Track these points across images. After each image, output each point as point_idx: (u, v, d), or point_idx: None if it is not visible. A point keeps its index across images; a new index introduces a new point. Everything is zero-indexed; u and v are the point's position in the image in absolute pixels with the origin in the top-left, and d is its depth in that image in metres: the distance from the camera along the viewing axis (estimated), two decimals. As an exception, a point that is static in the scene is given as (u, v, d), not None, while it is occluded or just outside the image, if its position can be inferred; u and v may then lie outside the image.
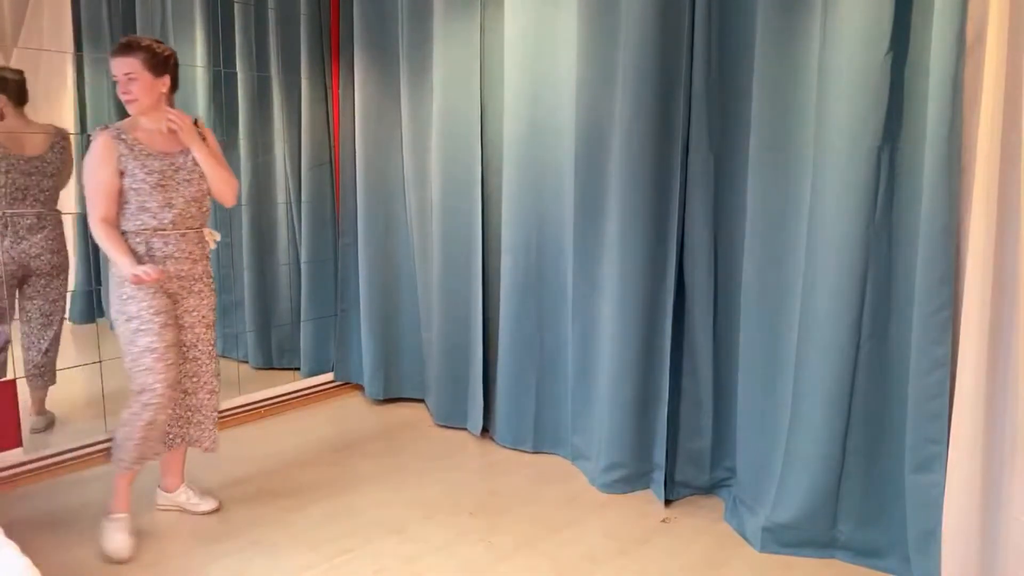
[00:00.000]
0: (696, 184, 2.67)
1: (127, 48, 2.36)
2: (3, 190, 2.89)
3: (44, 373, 3.11)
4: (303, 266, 3.98)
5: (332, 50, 3.86)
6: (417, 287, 3.70)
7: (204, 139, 2.54)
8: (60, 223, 3.08)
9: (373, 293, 3.77)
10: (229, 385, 3.73)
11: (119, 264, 2.35)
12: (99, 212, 2.37)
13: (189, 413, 2.64)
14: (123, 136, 2.39)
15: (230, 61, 3.82)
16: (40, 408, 3.19)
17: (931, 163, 2.06)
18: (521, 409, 3.25)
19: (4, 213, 2.90)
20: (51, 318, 3.08)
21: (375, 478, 2.98)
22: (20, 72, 3.00)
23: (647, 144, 2.68)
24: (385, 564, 2.39)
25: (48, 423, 3.22)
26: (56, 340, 3.12)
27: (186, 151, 2.50)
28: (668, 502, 2.79)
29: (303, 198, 3.93)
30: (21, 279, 3.00)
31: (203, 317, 2.58)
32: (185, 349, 2.56)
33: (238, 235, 3.99)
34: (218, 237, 2.65)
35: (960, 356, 2.05)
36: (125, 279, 2.36)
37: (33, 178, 2.95)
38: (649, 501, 2.82)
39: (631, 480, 2.89)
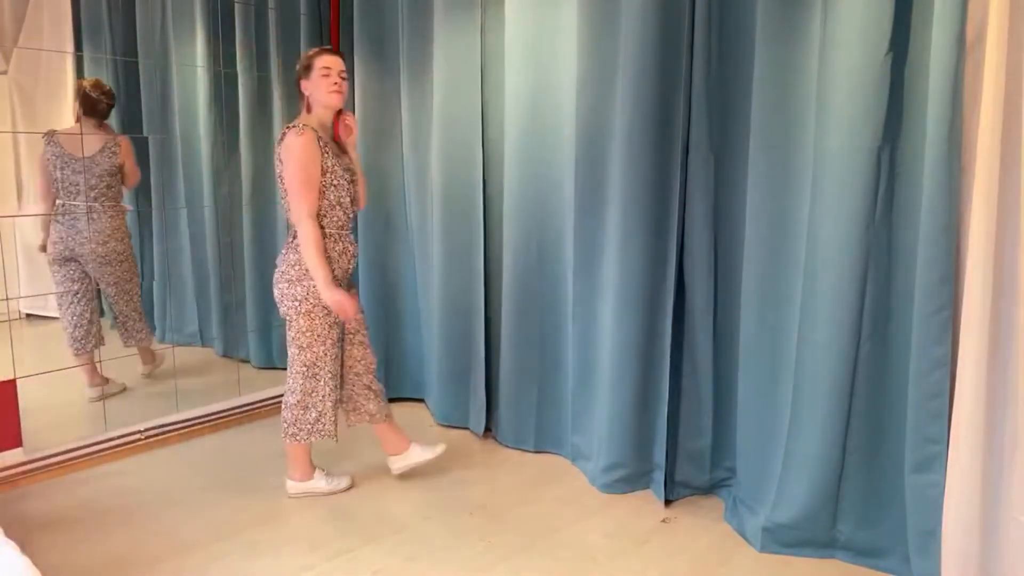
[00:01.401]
0: (696, 184, 2.67)
1: (341, 54, 2.67)
2: (59, 184, 3.31)
3: (127, 340, 3.57)
4: (303, 266, 3.98)
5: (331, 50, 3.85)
6: (417, 287, 3.70)
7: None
8: (114, 217, 3.42)
9: (373, 293, 3.77)
10: (230, 385, 3.73)
11: (319, 279, 2.53)
12: (309, 207, 2.54)
13: (367, 391, 2.88)
14: (320, 134, 2.57)
15: (230, 61, 3.82)
16: (94, 379, 3.47)
17: (931, 163, 2.06)
18: (522, 409, 3.26)
19: (65, 203, 3.32)
20: (112, 297, 3.51)
21: (375, 478, 2.98)
22: (100, 90, 3.36)
23: (647, 144, 2.68)
24: (385, 564, 2.39)
25: (107, 394, 3.49)
26: (132, 310, 3.56)
27: (346, 154, 2.74)
28: (668, 502, 2.79)
29: (303, 198, 3.93)
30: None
31: (356, 303, 2.75)
32: (350, 335, 2.81)
33: (239, 235, 3.99)
34: None
35: (960, 356, 2.05)
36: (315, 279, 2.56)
37: (81, 176, 3.32)
38: (649, 501, 2.82)
39: (631, 480, 2.89)
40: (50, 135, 3.28)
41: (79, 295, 3.39)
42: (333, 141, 2.73)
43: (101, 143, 3.37)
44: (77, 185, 3.31)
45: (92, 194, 3.35)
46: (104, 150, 3.37)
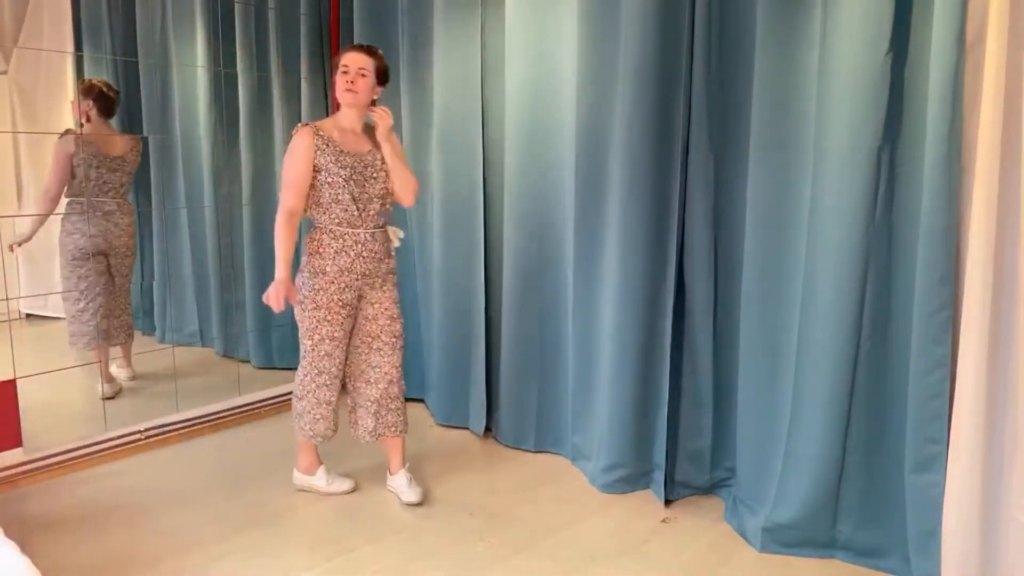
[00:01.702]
0: (696, 184, 2.67)
1: (368, 50, 2.64)
2: (91, 183, 3.35)
3: (119, 334, 3.60)
4: (303, 266, 3.98)
5: (332, 50, 3.86)
6: (417, 286, 3.70)
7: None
8: (131, 213, 3.55)
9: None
10: (230, 385, 3.73)
11: (277, 268, 2.50)
12: (288, 202, 2.55)
13: (370, 404, 2.76)
14: (320, 133, 2.57)
15: (230, 61, 3.82)
16: (108, 374, 3.50)
17: (931, 163, 2.06)
18: (523, 408, 3.26)
19: (91, 200, 3.38)
20: (123, 289, 3.60)
21: (374, 478, 2.98)
22: (112, 88, 3.44)
23: (647, 144, 2.68)
24: (385, 564, 2.39)
25: (117, 391, 3.55)
26: (129, 304, 3.64)
27: (375, 150, 2.66)
28: (668, 502, 2.79)
29: (303, 198, 3.93)
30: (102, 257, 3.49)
31: (386, 309, 2.72)
32: (369, 340, 2.73)
33: (239, 235, 3.99)
34: (402, 235, 2.80)
35: (960, 356, 2.05)
36: (318, 271, 2.58)
37: (116, 174, 3.43)
38: (649, 501, 2.82)
39: (631, 480, 2.89)
40: (75, 135, 3.27)
41: (102, 289, 3.44)
42: (369, 137, 2.68)
43: (131, 142, 3.50)
44: (110, 183, 3.40)
45: (122, 191, 3.46)
46: (133, 149, 3.50)
